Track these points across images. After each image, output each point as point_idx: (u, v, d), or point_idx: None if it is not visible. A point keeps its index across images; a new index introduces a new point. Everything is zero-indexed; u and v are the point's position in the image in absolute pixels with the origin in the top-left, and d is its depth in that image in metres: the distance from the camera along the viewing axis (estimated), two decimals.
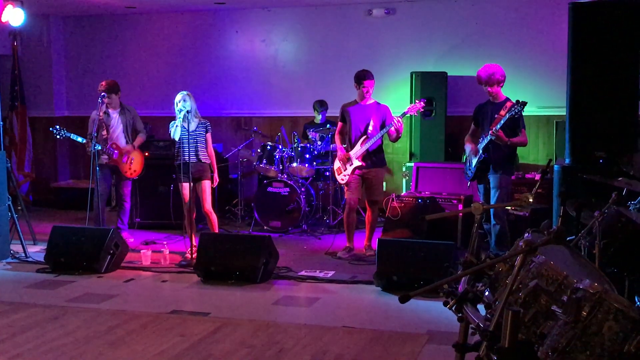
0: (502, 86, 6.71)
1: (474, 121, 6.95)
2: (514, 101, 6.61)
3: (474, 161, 6.70)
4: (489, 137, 6.48)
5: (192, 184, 7.01)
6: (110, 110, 7.81)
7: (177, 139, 6.98)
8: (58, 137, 7.74)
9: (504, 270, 3.03)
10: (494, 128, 6.42)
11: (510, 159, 6.81)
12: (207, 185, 7.14)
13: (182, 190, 7.10)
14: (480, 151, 6.62)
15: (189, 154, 6.98)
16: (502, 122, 6.40)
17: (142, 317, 5.34)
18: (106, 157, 7.71)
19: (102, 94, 7.62)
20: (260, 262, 6.29)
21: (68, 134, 7.68)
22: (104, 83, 7.75)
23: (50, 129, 7.80)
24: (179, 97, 7.03)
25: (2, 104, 7.81)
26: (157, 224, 8.71)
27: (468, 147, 6.87)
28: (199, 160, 7.08)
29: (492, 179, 6.66)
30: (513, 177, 7.60)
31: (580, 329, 2.49)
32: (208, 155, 7.18)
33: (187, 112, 6.94)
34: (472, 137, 6.92)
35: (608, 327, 2.48)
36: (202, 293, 6.14)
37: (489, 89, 6.68)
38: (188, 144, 6.98)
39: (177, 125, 6.93)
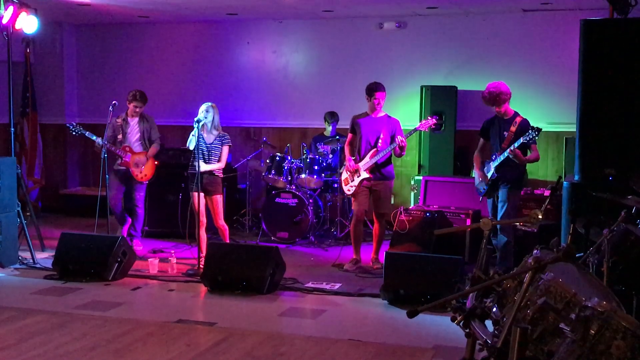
0: (508, 102, 6.70)
1: (482, 136, 6.94)
2: (524, 117, 6.61)
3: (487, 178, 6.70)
4: (505, 155, 6.46)
5: (202, 194, 7.03)
6: (129, 118, 8.01)
7: (191, 148, 7.01)
8: (73, 132, 7.91)
9: (512, 286, 3.02)
10: (512, 146, 6.40)
11: (522, 174, 6.82)
12: (219, 200, 7.18)
13: (192, 200, 7.11)
14: (493, 170, 6.60)
15: (201, 165, 7.00)
16: (516, 144, 6.39)
17: (148, 326, 5.34)
18: (120, 160, 7.89)
19: (114, 102, 7.71)
20: (267, 273, 6.28)
21: (83, 132, 7.84)
22: (137, 93, 7.94)
23: (67, 124, 8.06)
24: (202, 107, 7.11)
25: (13, 110, 7.86)
26: (165, 233, 8.72)
27: (475, 171, 6.85)
28: (210, 172, 7.10)
29: (501, 193, 6.65)
30: (522, 193, 7.58)
31: (588, 348, 2.48)
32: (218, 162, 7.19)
33: (198, 121, 6.91)
34: (480, 153, 6.91)
35: (616, 346, 2.47)
36: (209, 303, 6.14)
37: (497, 109, 6.68)
38: (202, 155, 7.02)
39: (193, 135, 6.96)
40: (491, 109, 6.81)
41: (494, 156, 6.64)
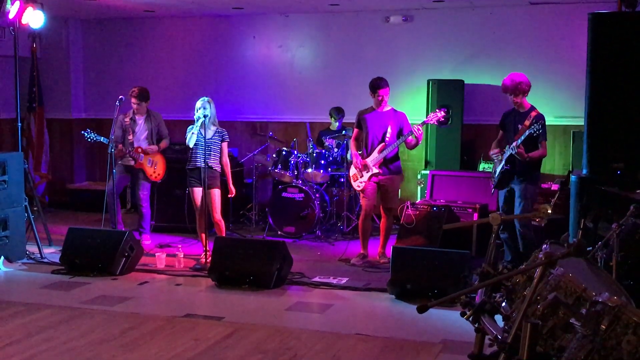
0: (526, 95, 6.66)
1: (501, 127, 6.92)
2: (539, 112, 6.56)
3: (498, 170, 6.68)
4: (511, 151, 6.45)
5: (202, 189, 6.98)
6: (137, 117, 7.96)
7: (191, 146, 6.92)
8: (88, 140, 7.82)
9: (521, 281, 3.01)
10: (515, 143, 6.39)
11: (535, 168, 6.71)
12: (216, 194, 7.04)
13: (193, 195, 7.08)
14: (504, 162, 6.58)
15: (201, 160, 6.92)
16: (521, 138, 6.36)
17: (156, 320, 5.35)
18: (132, 160, 7.84)
19: (120, 97, 7.73)
20: (274, 268, 6.29)
21: (98, 138, 7.76)
22: (136, 89, 7.85)
23: (82, 132, 7.92)
24: (199, 103, 6.95)
25: (20, 106, 7.86)
26: (172, 227, 8.71)
27: (494, 155, 6.83)
28: (209, 167, 6.97)
29: (517, 188, 6.59)
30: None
31: (599, 343, 2.47)
32: (222, 164, 7.09)
33: (204, 116, 6.85)
34: (498, 144, 6.88)
35: (627, 341, 2.45)
36: (216, 297, 6.15)
37: (515, 99, 6.63)
38: (203, 150, 6.92)
39: (192, 133, 6.88)
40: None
41: (506, 148, 6.62)
